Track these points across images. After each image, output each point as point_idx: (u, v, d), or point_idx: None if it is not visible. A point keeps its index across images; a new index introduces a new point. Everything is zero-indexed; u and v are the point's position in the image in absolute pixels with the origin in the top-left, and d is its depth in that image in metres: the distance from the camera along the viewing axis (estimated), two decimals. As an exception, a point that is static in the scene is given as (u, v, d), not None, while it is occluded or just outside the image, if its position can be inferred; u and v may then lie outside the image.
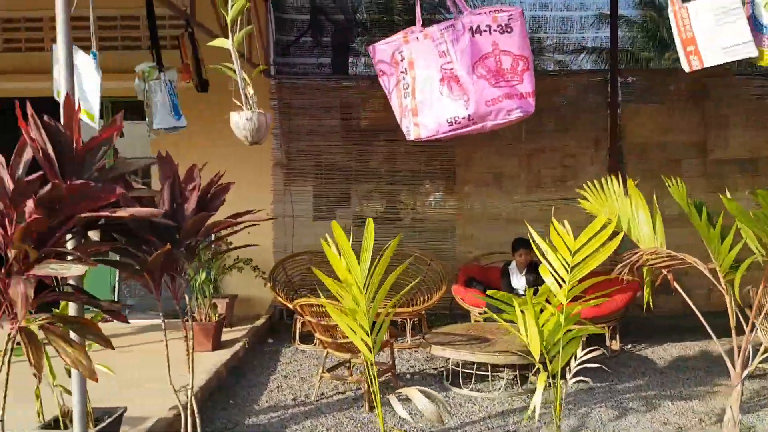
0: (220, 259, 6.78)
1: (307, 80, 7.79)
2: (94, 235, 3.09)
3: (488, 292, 6.24)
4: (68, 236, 3.00)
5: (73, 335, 2.96)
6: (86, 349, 2.85)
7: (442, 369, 5.61)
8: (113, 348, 2.92)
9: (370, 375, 4.71)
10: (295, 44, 8.41)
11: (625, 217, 4.00)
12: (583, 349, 3.67)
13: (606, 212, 4.04)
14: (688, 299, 3.81)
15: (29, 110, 2.78)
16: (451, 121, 3.39)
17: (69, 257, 2.98)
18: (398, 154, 7.54)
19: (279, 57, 7.70)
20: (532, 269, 6.18)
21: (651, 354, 6.08)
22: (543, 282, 6.09)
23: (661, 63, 15.57)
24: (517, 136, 7.43)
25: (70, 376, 3.79)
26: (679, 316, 6.46)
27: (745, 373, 3.64)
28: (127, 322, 3.07)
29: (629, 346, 6.30)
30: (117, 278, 7.76)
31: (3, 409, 2.88)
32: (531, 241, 3.86)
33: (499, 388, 5.05)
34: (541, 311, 3.50)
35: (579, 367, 3.55)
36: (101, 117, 7.88)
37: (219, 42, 3.09)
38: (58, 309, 3.57)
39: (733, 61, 3.25)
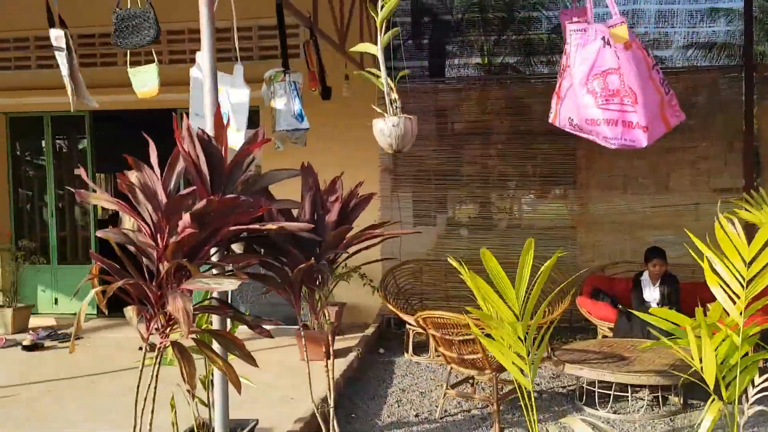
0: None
1: (412, 84, 7.61)
2: (237, 248, 3.01)
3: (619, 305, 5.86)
4: (212, 250, 2.93)
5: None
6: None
7: (572, 387, 5.26)
8: (257, 365, 2.81)
9: (497, 394, 4.48)
10: (399, 48, 8.26)
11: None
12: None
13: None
14: None
15: (185, 123, 2.72)
16: (568, 122, 3.32)
17: (214, 271, 2.91)
18: (513, 157, 7.21)
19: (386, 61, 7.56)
20: (666, 281, 5.72)
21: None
22: (678, 295, 5.68)
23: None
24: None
25: (205, 389, 3.78)
26: None
27: None
28: (271, 337, 2.96)
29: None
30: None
31: (150, 424, 2.83)
32: (702, 248, 3.47)
33: (639, 410, 4.65)
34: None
35: (759, 395, 3.15)
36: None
37: (363, 47, 2.94)
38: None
39: None
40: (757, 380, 3.22)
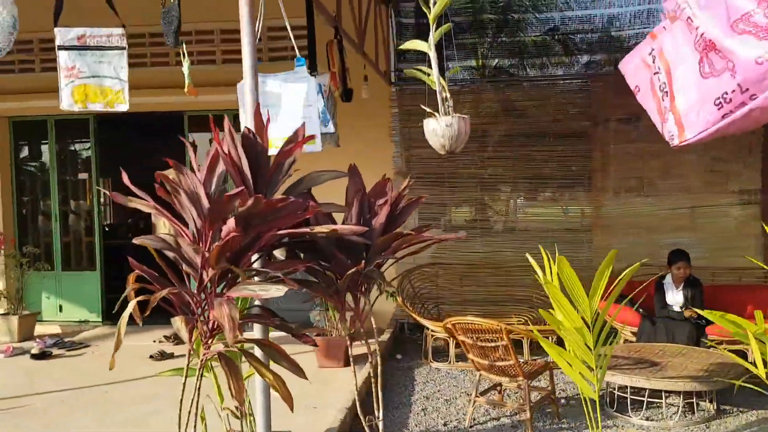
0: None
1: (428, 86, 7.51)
2: (279, 253, 2.90)
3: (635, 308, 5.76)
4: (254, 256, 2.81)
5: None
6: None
7: (599, 393, 5.15)
8: (306, 377, 2.69)
9: (530, 402, 4.37)
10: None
11: None
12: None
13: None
14: None
15: (226, 123, 2.61)
16: (720, 102, 2.73)
17: (256, 278, 2.79)
18: (526, 159, 7.11)
19: (400, 63, 7.45)
20: (689, 284, 5.64)
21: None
22: (702, 298, 5.59)
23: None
24: (660, 137, 6.85)
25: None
26: None
27: None
28: (316, 345, 2.83)
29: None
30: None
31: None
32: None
33: (672, 417, 4.56)
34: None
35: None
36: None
37: (413, 44, 2.84)
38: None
39: None
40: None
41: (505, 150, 7.24)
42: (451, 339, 5.95)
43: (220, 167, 2.64)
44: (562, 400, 5.08)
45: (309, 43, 4.18)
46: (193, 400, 2.69)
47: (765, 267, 4.24)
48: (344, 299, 2.86)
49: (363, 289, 2.88)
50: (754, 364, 2.97)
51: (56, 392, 5.53)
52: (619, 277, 2.69)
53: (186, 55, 3.94)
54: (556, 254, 2.96)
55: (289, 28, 3.65)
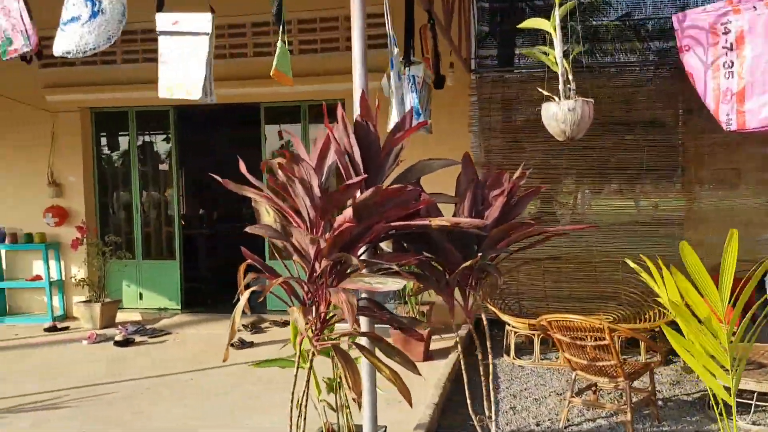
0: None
1: (510, 73, 7.30)
2: (385, 245, 2.79)
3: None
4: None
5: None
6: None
7: (696, 394, 4.89)
8: (420, 373, 2.59)
9: (631, 403, 4.15)
10: (494, 34, 7.90)
11: None
12: None
13: None
14: None
15: (339, 111, 2.51)
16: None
17: (364, 269, 2.69)
18: (615, 149, 6.79)
19: (481, 49, 7.24)
20: (797, 282, 5.27)
21: None
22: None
23: None
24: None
25: (333, 391, 3.57)
26: None
27: None
28: (422, 340, 2.72)
29: None
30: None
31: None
32: None
33: (783, 424, 4.26)
34: None
35: None
36: (306, 119, 7.98)
37: (535, 22, 2.67)
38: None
39: None
40: None
41: (589, 140, 6.94)
42: (536, 336, 5.76)
43: (331, 157, 2.55)
44: (659, 401, 4.83)
45: (406, 31, 4.04)
46: (304, 392, 2.62)
47: None
48: (453, 294, 2.74)
49: (473, 284, 2.75)
50: None
51: (141, 380, 5.62)
52: (758, 270, 2.47)
53: (285, 42, 3.86)
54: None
55: (387, 13, 3.52)
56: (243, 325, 7.34)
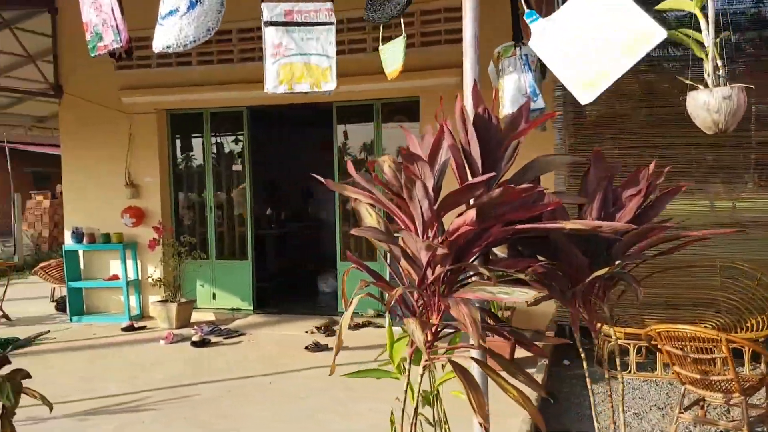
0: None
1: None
2: (498, 250, 2.56)
3: None
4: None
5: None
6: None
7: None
8: (548, 395, 2.35)
9: (747, 419, 3.79)
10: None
11: None
12: None
13: None
14: None
15: (458, 103, 2.30)
16: None
17: (474, 277, 2.46)
18: (714, 147, 6.31)
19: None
20: None
21: None
22: None
23: None
24: None
25: (429, 404, 3.37)
26: None
27: None
28: (545, 357, 2.47)
29: None
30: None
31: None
32: None
33: None
34: None
35: None
36: (378, 118, 7.81)
37: (676, 3, 2.38)
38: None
39: None
40: None
41: (682, 135, 6.48)
42: (632, 345, 5.40)
43: (443, 153, 2.33)
44: (774, 420, 4.42)
45: (512, 10, 3.78)
46: (416, 407, 2.41)
47: None
48: (576, 304, 2.48)
49: (600, 293, 2.48)
50: None
51: (222, 382, 5.56)
52: None
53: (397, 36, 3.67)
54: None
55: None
56: (316, 327, 7.23)
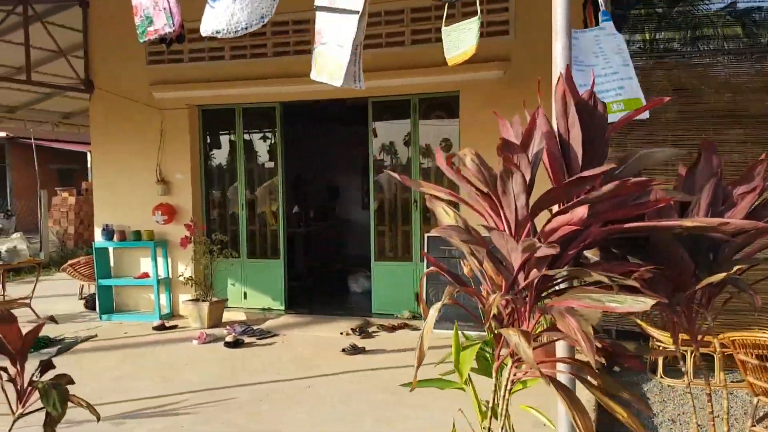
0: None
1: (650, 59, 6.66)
2: (589, 252, 2.33)
3: None
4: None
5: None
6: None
7: None
8: (652, 412, 2.12)
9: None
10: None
11: None
12: None
13: None
14: None
15: (560, 86, 2.07)
16: None
17: (563, 284, 2.24)
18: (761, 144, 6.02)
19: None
20: None
21: None
22: None
23: None
24: None
25: (484, 417, 3.15)
26: None
27: None
28: (642, 371, 2.24)
29: None
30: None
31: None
32: None
33: None
34: None
35: None
36: (416, 114, 7.59)
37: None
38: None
39: None
40: None
41: (730, 132, 6.21)
42: (689, 353, 5.13)
43: (536, 144, 2.11)
44: None
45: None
46: (489, 426, 2.20)
47: None
48: (685, 314, 2.25)
49: (704, 301, 2.25)
50: None
51: (258, 384, 5.38)
52: None
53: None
54: None
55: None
56: (351, 329, 7.03)
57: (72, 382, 3.12)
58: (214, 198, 8.49)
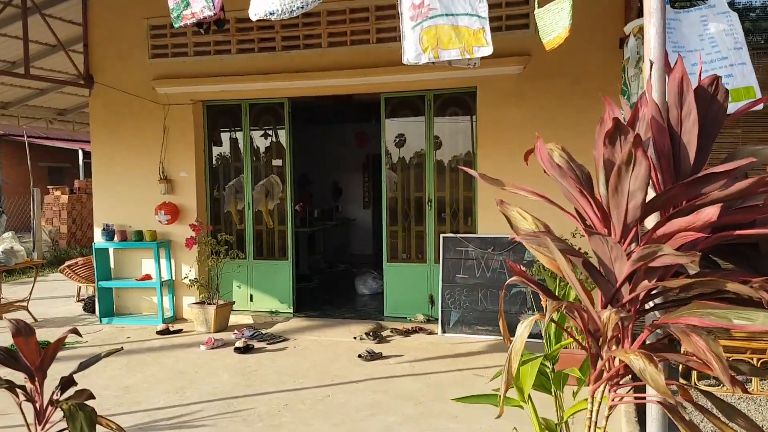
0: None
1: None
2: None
3: None
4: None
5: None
6: None
7: None
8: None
9: None
10: None
11: None
12: None
13: None
14: None
15: (677, 70, 1.83)
16: None
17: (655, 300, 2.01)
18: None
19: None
20: None
21: None
22: None
23: None
24: None
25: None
26: None
27: None
28: (746, 392, 2.02)
29: None
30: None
31: None
32: None
33: None
34: None
35: None
36: (431, 111, 7.32)
37: None
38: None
39: None
40: None
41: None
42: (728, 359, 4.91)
43: (642, 134, 1.87)
44: None
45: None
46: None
47: None
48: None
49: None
50: None
51: (275, 393, 5.12)
52: None
53: None
54: None
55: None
56: (365, 333, 6.78)
57: (92, 397, 2.86)
58: (220, 196, 8.20)
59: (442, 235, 7.00)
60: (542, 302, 6.15)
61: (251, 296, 7.95)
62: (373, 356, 6.04)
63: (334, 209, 13.16)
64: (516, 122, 6.66)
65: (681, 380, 5.21)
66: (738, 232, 1.78)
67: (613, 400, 1.95)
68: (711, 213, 1.60)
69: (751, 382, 5.03)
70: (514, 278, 1.98)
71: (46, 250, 14.31)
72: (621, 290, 1.84)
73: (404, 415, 4.59)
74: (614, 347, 1.98)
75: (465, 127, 7.27)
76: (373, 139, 12.44)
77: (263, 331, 7.03)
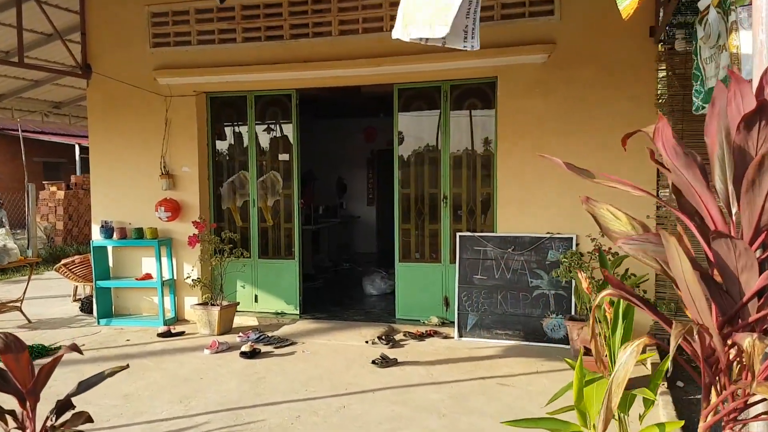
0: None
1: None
2: None
3: None
4: None
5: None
6: None
7: None
8: None
9: None
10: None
11: None
12: None
13: None
14: None
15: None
16: None
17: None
18: None
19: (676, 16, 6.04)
20: None
21: None
22: None
23: None
24: None
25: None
26: None
27: None
28: None
29: None
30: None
31: None
32: None
33: None
34: None
35: None
36: (447, 103, 6.95)
37: None
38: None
39: None
40: None
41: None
42: None
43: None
44: None
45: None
46: None
47: None
48: None
49: None
50: None
51: (286, 403, 4.78)
52: None
53: None
54: None
55: None
56: (378, 337, 6.43)
57: (90, 420, 2.51)
58: (223, 193, 7.84)
59: (458, 234, 6.66)
60: (577, 306, 5.78)
61: (256, 297, 7.60)
62: (387, 362, 5.70)
63: (338, 206, 12.81)
64: (540, 114, 6.32)
65: None
66: None
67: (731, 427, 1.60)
68: None
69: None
70: (609, 291, 1.64)
71: (41, 247, 13.93)
72: (747, 306, 1.50)
73: (429, 429, 4.25)
74: (725, 376, 1.63)
75: (484, 120, 6.91)
76: (380, 133, 12.10)
77: (269, 334, 6.68)
